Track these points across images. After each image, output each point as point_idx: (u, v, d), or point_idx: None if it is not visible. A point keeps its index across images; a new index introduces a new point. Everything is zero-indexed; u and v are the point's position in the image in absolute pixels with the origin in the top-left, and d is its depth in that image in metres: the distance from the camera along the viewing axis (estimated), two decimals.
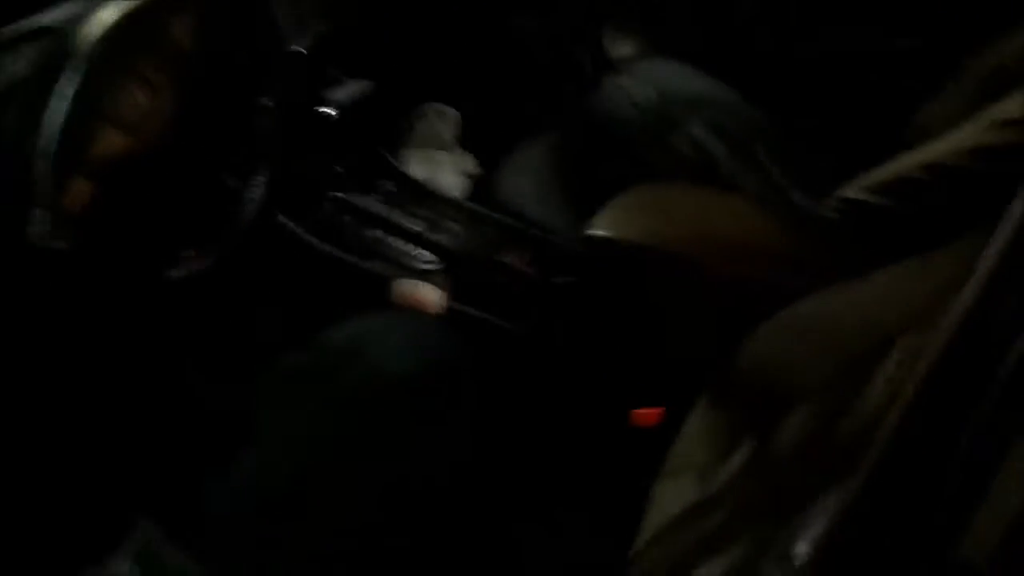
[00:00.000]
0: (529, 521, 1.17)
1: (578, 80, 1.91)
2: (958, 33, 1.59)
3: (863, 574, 0.65)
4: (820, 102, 1.79)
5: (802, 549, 0.65)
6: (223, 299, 1.38)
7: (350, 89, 1.60)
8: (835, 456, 0.74)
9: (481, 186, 1.83)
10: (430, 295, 1.49)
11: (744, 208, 1.39)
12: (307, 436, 1.10)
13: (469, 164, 1.98)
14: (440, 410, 1.15)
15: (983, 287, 0.68)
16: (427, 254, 1.57)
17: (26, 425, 1.22)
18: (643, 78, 1.78)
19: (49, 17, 1.21)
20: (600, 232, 1.24)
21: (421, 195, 1.67)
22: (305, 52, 1.52)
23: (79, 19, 1.21)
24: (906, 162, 1.27)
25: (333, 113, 1.54)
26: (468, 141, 2.04)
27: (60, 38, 1.08)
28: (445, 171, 1.91)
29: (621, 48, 2.06)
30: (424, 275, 1.54)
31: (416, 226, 1.59)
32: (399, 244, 1.59)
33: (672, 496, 0.94)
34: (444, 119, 2.04)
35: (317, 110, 1.52)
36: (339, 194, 1.62)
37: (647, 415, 1.21)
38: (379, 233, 1.60)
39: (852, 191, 1.32)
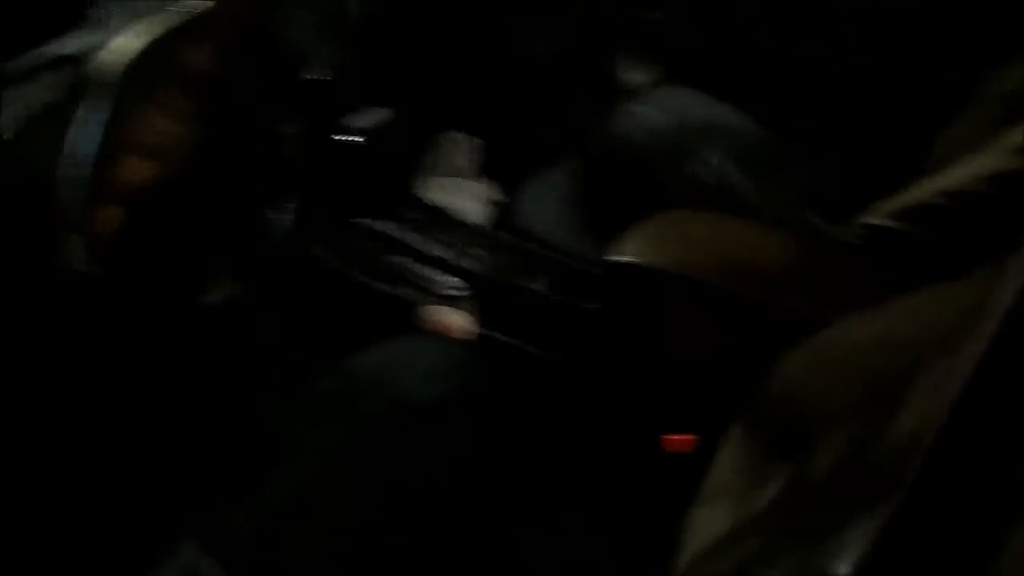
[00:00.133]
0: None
1: (596, 108, 1.92)
2: (977, 59, 1.60)
3: None
4: (840, 127, 1.79)
5: (842, 571, 0.65)
6: (252, 325, 1.38)
7: (373, 117, 1.62)
8: (871, 479, 0.73)
9: (503, 213, 1.83)
10: (457, 321, 1.49)
11: (764, 234, 1.39)
12: (333, 460, 1.10)
13: (491, 191, 1.99)
14: (463, 438, 1.15)
15: (1013, 305, 0.68)
16: (453, 280, 1.58)
17: (63, 446, 1.22)
18: (660, 105, 1.79)
19: (70, 45, 1.22)
20: (622, 258, 1.24)
21: (445, 222, 1.68)
22: (329, 81, 1.54)
23: (100, 47, 1.23)
24: (926, 188, 1.28)
25: (357, 141, 1.55)
26: (489, 168, 2.05)
27: (82, 66, 1.09)
28: (467, 198, 1.92)
29: (637, 75, 2.08)
30: (451, 301, 1.54)
31: (442, 252, 1.60)
32: (425, 270, 1.60)
33: (707, 523, 0.94)
34: (466, 147, 2.05)
35: (341, 138, 1.54)
36: (364, 221, 1.64)
37: (679, 442, 1.21)
38: (405, 259, 1.61)
39: (874, 217, 1.32)
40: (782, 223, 1.59)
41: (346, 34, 1.66)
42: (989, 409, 0.68)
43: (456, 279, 1.58)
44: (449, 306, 1.52)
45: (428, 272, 1.60)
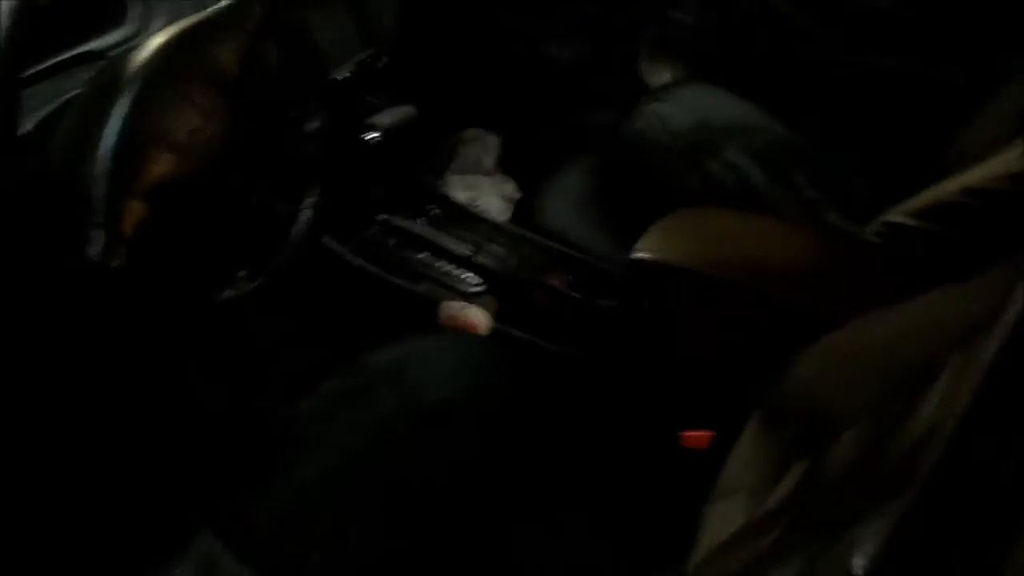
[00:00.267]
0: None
1: (617, 106, 1.92)
2: (997, 60, 1.60)
3: None
4: (861, 126, 1.79)
5: (859, 563, 0.65)
6: (272, 319, 1.40)
7: (394, 115, 1.62)
8: (888, 474, 0.74)
9: (522, 210, 1.84)
10: (476, 317, 1.50)
11: (784, 232, 1.39)
12: (349, 455, 1.11)
13: (510, 188, 2.00)
14: (476, 436, 1.16)
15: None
16: (473, 276, 1.58)
17: (83, 436, 1.24)
18: (680, 104, 1.79)
19: (100, 42, 1.24)
20: (644, 255, 1.24)
21: (465, 218, 1.69)
22: (350, 78, 1.55)
23: (129, 44, 1.24)
24: (946, 187, 1.27)
25: (379, 138, 1.56)
26: (508, 165, 2.05)
27: (112, 62, 1.10)
28: (486, 195, 1.92)
29: (658, 74, 2.08)
30: (470, 297, 1.55)
31: (462, 249, 1.60)
32: (445, 266, 1.61)
33: (724, 517, 0.94)
34: (485, 144, 2.06)
35: (362, 135, 1.55)
36: (385, 217, 1.65)
37: (697, 438, 1.21)
38: (425, 256, 1.62)
39: (894, 215, 1.32)
40: (802, 221, 1.59)
41: (372, 32, 1.67)
42: (1005, 407, 0.68)
43: (475, 275, 1.59)
44: (468, 302, 1.52)
45: (447, 268, 1.61)
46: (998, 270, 0.87)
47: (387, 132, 1.58)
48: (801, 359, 1.03)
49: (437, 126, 1.93)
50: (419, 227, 1.66)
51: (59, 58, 1.18)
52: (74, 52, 1.20)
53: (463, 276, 1.59)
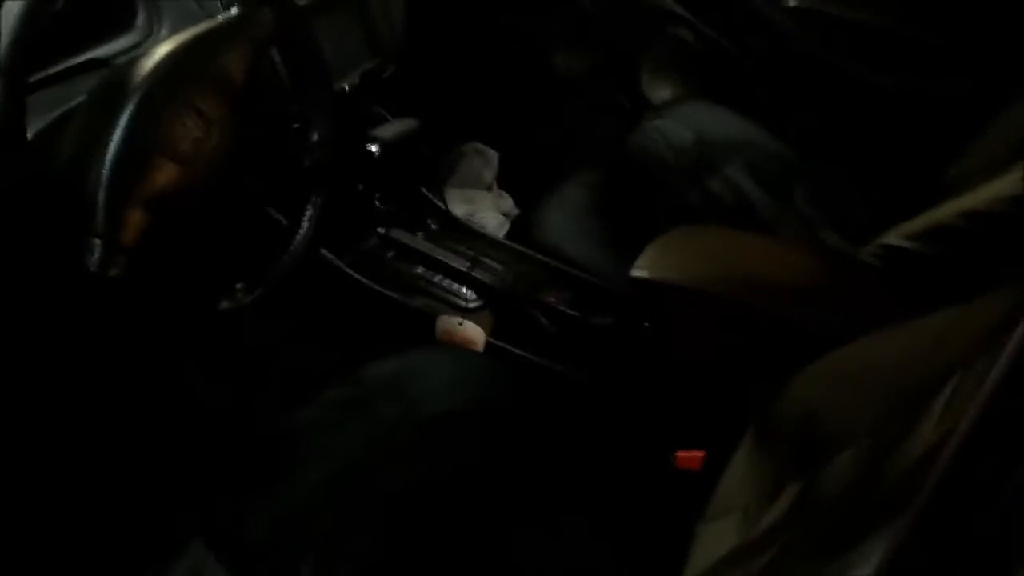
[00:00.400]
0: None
1: (618, 121, 1.93)
2: (996, 83, 1.61)
3: None
4: (861, 145, 1.80)
5: None
6: (269, 330, 1.40)
7: (395, 127, 1.63)
8: (887, 494, 0.74)
9: (519, 225, 1.84)
10: (472, 332, 1.50)
11: (782, 251, 1.39)
12: (343, 466, 1.11)
13: (508, 203, 2.00)
14: (473, 448, 1.16)
15: None
16: (470, 292, 1.59)
17: (76, 444, 1.24)
18: (681, 121, 1.79)
19: (104, 50, 1.24)
20: (642, 273, 1.24)
21: (463, 233, 1.69)
22: (355, 89, 1.55)
23: (135, 52, 1.25)
24: (945, 209, 1.28)
25: (377, 150, 1.56)
26: (508, 180, 2.06)
27: (118, 70, 1.11)
28: (485, 209, 1.92)
29: (659, 91, 2.08)
30: (466, 312, 1.55)
31: (459, 264, 1.60)
32: (442, 281, 1.61)
33: (717, 537, 0.94)
34: (485, 159, 2.06)
35: (363, 147, 1.55)
36: (383, 230, 1.65)
37: (691, 458, 1.21)
38: (422, 270, 1.62)
39: (892, 237, 1.32)
40: (799, 241, 1.59)
41: (378, 43, 1.68)
42: (1007, 428, 0.68)
43: (471, 291, 1.59)
44: (464, 317, 1.52)
45: (444, 283, 1.61)
46: (998, 292, 0.88)
47: (389, 144, 1.58)
48: (798, 379, 1.04)
49: (438, 139, 1.94)
50: (417, 241, 1.66)
51: (65, 64, 1.18)
52: (80, 59, 1.20)
53: (460, 291, 1.59)
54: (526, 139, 2.12)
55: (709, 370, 1.25)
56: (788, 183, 1.69)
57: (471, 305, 1.57)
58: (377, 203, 1.67)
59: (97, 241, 0.99)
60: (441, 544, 1.06)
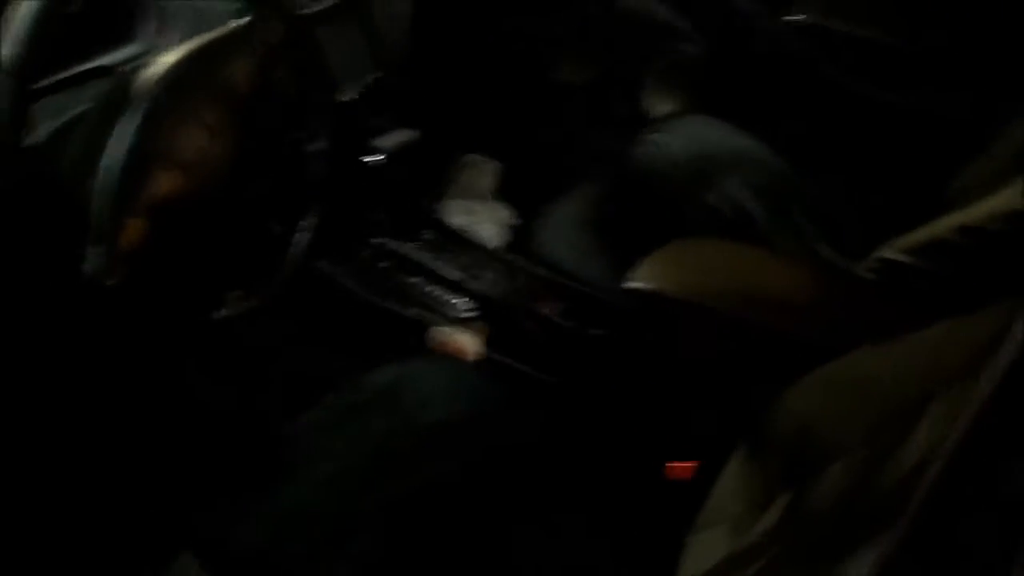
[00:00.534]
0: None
1: (617, 134, 1.93)
2: (997, 97, 1.61)
3: None
4: (861, 160, 1.80)
5: None
6: (264, 340, 1.40)
7: (395, 138, 1.63)
8: (874, 508, 0.74)
9: (519, 236, 1.85)
10: (467, 342, 1.50)
11: (780, 265, 1.40)
12: (337, 478, 1.12)
13: (507, 214, 2.01)
14: (468, 458, 1.17)
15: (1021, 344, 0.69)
16: (464, 302, 1.59)
17: (72, 451, 1.24)
18: (680, 134, 1.80)
19: (110, 58, 1.25)
20: (638, 285, 1.25)
21: (460, 244, 1.70)
22: (357, 100, 1.56)
23: (139, 60, 1.25)
24: (943, 224, 1.28)
25: (378, 161, 1.57)
26: (507, 192, 2.06)
27: (121, 79, 1.11)
28: (483, 221, 1.93)
29: (660, 104, 2.09)
30: (461, 322, 1.56)
31: (454, 274, 1.61)
32: (437, 291, 1.61)
33: (706, 548, 0.94)
34: (484, 170, 2.07)
35: (363, 158, 1.56)
36: (379, 240, 1.65)
37: (681, 468, 1.21)
38: (418, 280, 1.63)
39: (889, 252, 1.32)
40: (797, 254, 1.60)
41: (381, 54, 1.69)
42: (997, 441, 0.69)
43: (466, 301, 1.59)
44: (459, 328, 1.53)
45: (439, 293, 1.61)
46: (993, 307, 0.88)
47: (388, 155, 1.59)
48: (792, 390, 1.04)
49: (438, 151, 1.94)
50: (413, 251, 1.66)
51: (70, 72, 1.19)
52: (86, 67, 1.21)
53: (454, 301, 1.60)
54: (526, 151, 2.12)
55: (703, 381, 1.26)
56: (786, 197, 1.69)
57: (466, 315, 1.58)
58: (375, 213, 1.67)
59: (96, 248, 1.00)
60: (440, 546, 1.07)
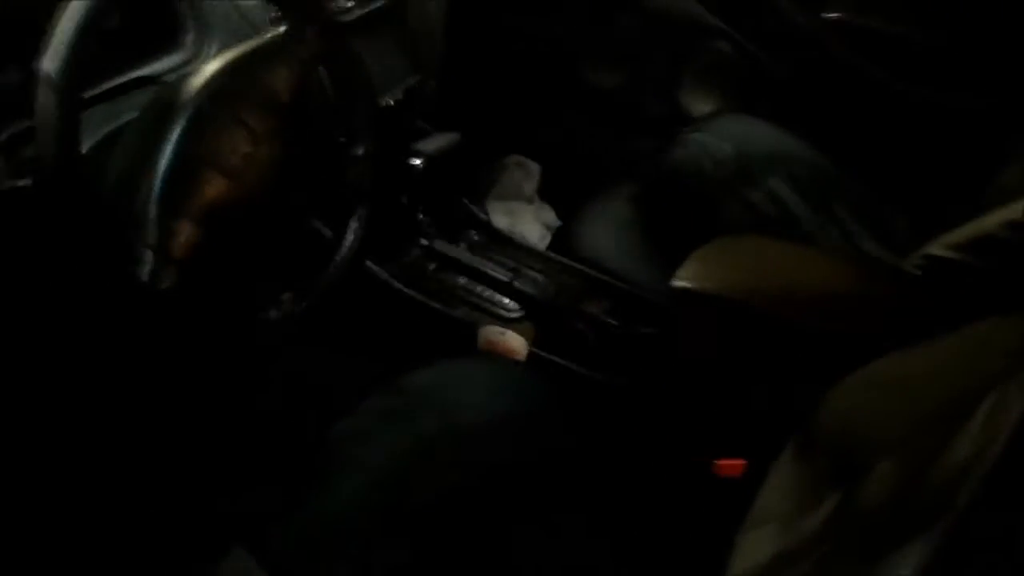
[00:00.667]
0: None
1: (656, 134, 1.93)
2: None
3: None
4: (903, 158, 1.79)
5: None
6: (313, 341, 1.41)
7: (437, 141, 1.65)
8: (924, 505, 0.74)
9: (561, 237, 1.85)
10: (514, 342, 1.51)
11: (824, 262, 1.39)
12: (385, 476, 1.12)
13: (549, 215, 2.01)
14: (511, 458, 1.17)
15: None
16: (511, 302, 1.60)
17: (127, 450, 1.26)
18: (721, 133, 1.79)
19: (153, 68, 1.27)
20: (684, 284, 1.25)
21: (504, 244, 1.70)
22: (398, 104, 1.57)
23: (182, 70, 1.27)
24: (989, 220, 1.27)
25: (420, 164, 1.58)
26: (549, 192, 2.07)
27: (165, 87, 1.13)
28: (526, 221, 1.94)
29: (698, 104, 2.09)
30: (508, 323, 1.56)
31: (501, 275, 1.62)
32: (484, 292, 1.62)
33: (756, 546, 0.94)
34: (526, 171, 2.07)
35: (406, 161, 1.57)
36: (426, 242, 1.66)
37: (731, 466, 1.21)
38: (464, 281, 1.64)
39: (935, 248, 1.31)
40: (841, 252, 1.59)
41: (419, 59, 1.70)
42: None
43: (513, 301, 1.60)
44: (505, 328, 1.53)
45: (486, 294, 1.62)
46: None
47: (431, 158, 1.60)
48: (839, 389, 1.03)
49: (480, 152, 1.95)
50: (459, 252, 1.67)
51: (116, 82, 1.21)
52: (130, 76, 1.23)
53: (501, 302, 1.61)
54: (567, 151, 2.13)
55: (750, 380, 1.25)
56: (829, 194, 1.69)
57: (513, 315, 1.59)
58: (420, 215, 1.68)
59: (149, 253, 1.01)
60: (475, 553, 1.07)
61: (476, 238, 1.75)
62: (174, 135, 1.03)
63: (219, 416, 1.42)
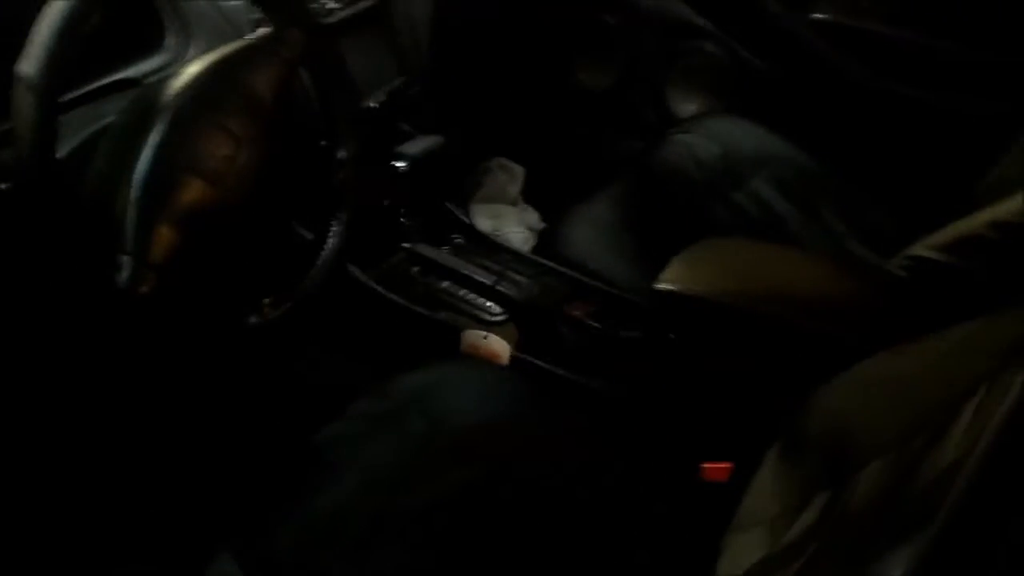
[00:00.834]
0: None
1: (642, 136, 1.93)
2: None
3: None
4: (888, 159, 1.79)
5: None
6: (296, 346, 1.40)
7: (421, 144, 1.64)
8: (914, 505, 0.74)
9: (545, 239, 1.85)
10: (497, 346, 1.50)
11: (809, 263, 1.39)
12: (372, 481, 1.12)
13: (534, 217, 2.01)
14: (500, 462, 1.16)
15: None
16: (495, 306, 1.59)
17: (107, 457, 1.25)
18: (707, 134, 1.80)
19: (134, 70, 1.26)
20: (668, 286, 1.25)
21: (488, 247, 1.70)
22: (382, 106, 1.56)
23: (164, 72, 1.26)
24: (974, 221, 1.27)
25: (404, 166, 1.57)
26: (533, 195, 2.06)
27: (146, 90, 1.12)
28: (510, 224, 1.93)
29: (685, 104, 2.09)
30: (491, 326, 1.56)
31: (484, 278, 1.61)
32: (467, 295, 1.61)
33: (743, 548, 0.94)
34: (510, 173, 2.07)
35: (389, 163, 1.56)
36: (408, 245, 1.66)
37: (717, 470, 1.21)
38: (448, 284, 1.63)
39: (920, 249, 1.32)
40: (826, 253, 1.59)
41: (404, 61, 1.69)
42: None
43: (497, 304, 1.59)
44: (489, 331, 1.53)
45: (469, 297, 1.61)
46: None
47: (415, 161, 1.60)
48: (825, 390, 1.03)
49: (464, 155, 1.95)
50: (442, 255, 1.67)
51: (96, 84, 1.20)
52: (111, 79, 1.22)
53: (485, 305, 1.60)
54: (551, 154, 2.13)
55: (735, 382, 1.25)
56: (815, 196, 1.69)
57: (496, 319, 1.58)
58: (403, 218, 1.68)
59: (127, 258, 1.00)
60: (466, 555, 1.06)
61: (459, 241, 1.74)
62: (153, 139, 1.02)
63: (204, 421, 1.41)
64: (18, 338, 1.18)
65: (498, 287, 1.60)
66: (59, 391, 1.26)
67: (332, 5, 1.52)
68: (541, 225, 1.99)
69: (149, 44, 1.31)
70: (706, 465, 1.22)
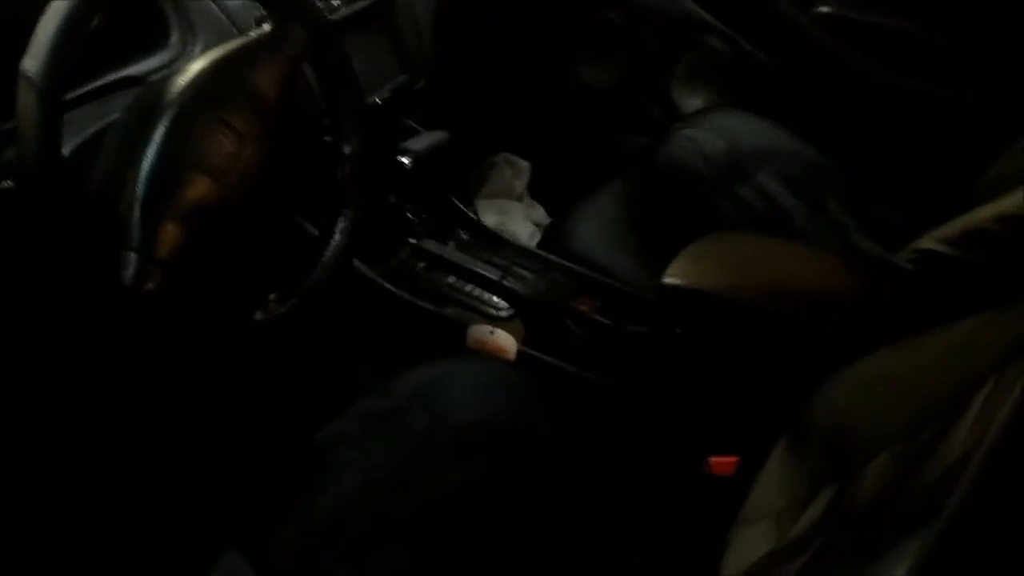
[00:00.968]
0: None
1: (647, 131, 1.93)
2: None
3: None
4: (894, 152, 1.79)
5: None
6: (301, 343, 1.40)
7: (426, 139, 1.64)
8: (921, 500, 0.73)
9: (551, 235, 1.85)
10: (503, 341, 1.50)
11: (815, 258, 1.39)
12: (377, 477, 1.12)
13: (539, 213, 2.01)
14: (503, 458, 1.16)
15: None
16: (501, 301, 1.59)
17: (114, 454, 1.25)
18: (712, 129, 1.79)
19: (137, 68, 1.26)
20: (675, 281, 1.24)
21: (494, 243, 1.70)
22: (383, 103, 1.56)
23: (169, 69, 1.26)
24: (981, 214, 1.27)
25: (409, 162, 1.57)
26: (538, 190, 2.06)
27: (151, 87, 1.12)
28: (516, 219, 1.93)
29: (690, 99, 2.09)
30: (498, 321, 1.56)
31: (490, 273, 1.61)
32: (473, 290, 1.61)
33: (750, 542, 0.94)
34: (515, 169, 2.07)
35: (395, 159, 1.56)
36: (414, 241, 1.66)
37: (723, 463, 1.21)
38: (454, 280, 1.63)
39: (926, 242, 1.31)
40: (833, 247, 1.59)
41: (408, 57, 1.69)
42: None
43: (503, 300, 1.59)
44: (495, 326, 1.53)
45: (475, 292, 1.61)
46: None
47: (420, 156, 1.60)
48: (831, 384, 1.03)
49: (469, 151, 1.94)
50: (448, 251, 1.67)
51: (100, 82, 1.20)
52: (115, 77, 1.22)
53: (491, 300, 1.60)
54: (556, 149, 2.12)
55: (741, 376, 1.25)
56: (821, 190, 1.69)
57: (502, 314, 1.58)
58: (409, 214, 1.68)
59: (132, 255, 1.01)
60: (470, 554, 1.06)
61: (465, 237, 1.74)
62: (158, 136, 1.02)
63: (209, 418, 1.42)
64: (23, 336, 1.18)
65: (504, 282, 1.59)
66: (64, 389, 1.26)
67: (336, 2, 1.52)
68: (547, 220, 1.99)
69: (153, 42, 1.31)
70: (713, 459, 1.22)
